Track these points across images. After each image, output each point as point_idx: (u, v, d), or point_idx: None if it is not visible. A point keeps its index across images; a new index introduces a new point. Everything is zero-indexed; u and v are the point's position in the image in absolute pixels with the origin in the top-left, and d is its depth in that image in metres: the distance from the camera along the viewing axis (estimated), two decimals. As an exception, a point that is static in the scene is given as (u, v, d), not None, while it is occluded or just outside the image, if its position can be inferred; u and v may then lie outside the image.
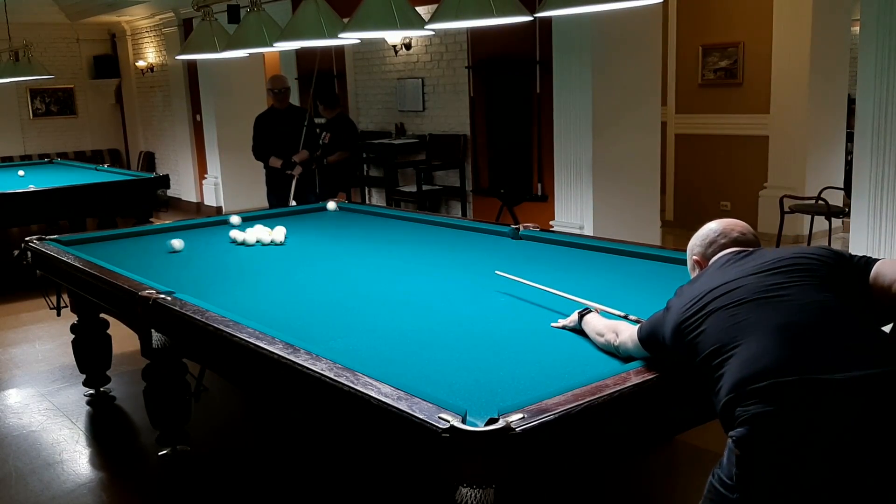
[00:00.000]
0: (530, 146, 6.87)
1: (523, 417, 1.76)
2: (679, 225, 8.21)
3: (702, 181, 8.16)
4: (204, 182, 10.90)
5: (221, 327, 2.60)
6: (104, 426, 4.11)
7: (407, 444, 1.88)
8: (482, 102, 7.36)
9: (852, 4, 7.33)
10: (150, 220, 6.98)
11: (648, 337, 2.11)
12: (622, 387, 1.95)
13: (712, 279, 1.97)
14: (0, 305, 6.23)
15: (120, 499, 3.37)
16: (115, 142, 13.12)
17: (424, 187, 7.67)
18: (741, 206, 7.79)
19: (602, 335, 2.35)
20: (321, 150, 7.21)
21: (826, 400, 1.64)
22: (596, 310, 2.56)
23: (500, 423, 1.71)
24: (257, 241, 4.17)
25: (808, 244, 6.58)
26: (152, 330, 3.04)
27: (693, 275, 2.21)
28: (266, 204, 7.09)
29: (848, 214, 5.31)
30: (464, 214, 7.63)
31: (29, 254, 4.12)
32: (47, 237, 4.25)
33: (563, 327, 2.58)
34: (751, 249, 2.08)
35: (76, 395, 4.38)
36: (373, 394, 1.94)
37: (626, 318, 2.49)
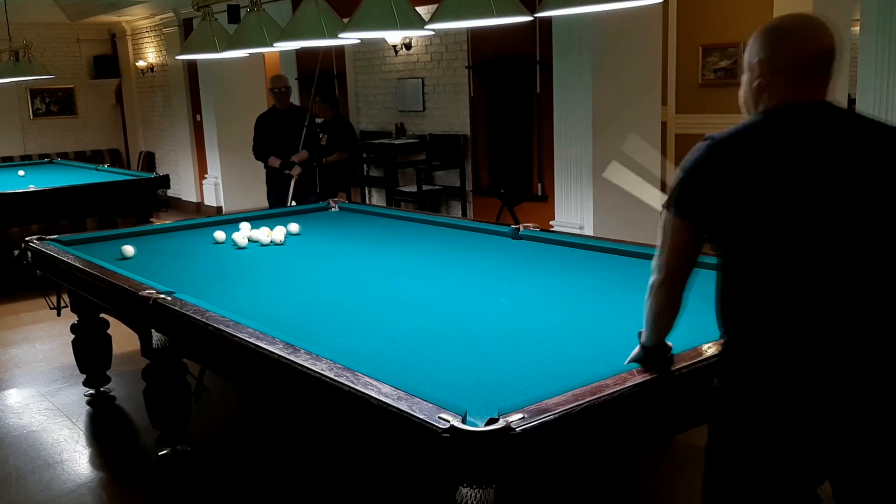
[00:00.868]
0: (530, 146, 6.87)
1: (523, 417, 1.76)
2: (679, 225, 8.18)
3: (702, 181, 8.14)
4: (204, 182, 10.90)
5: (221, 327, 2.60)
6: (104, 426, 4.11)
7: (407, 444, 1.88)
8: (482, 102, 7.35)
9: (852, 4, 7.32)
10: (150, 220, 6.97)
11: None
12: (622, 387, 1.95)
13: (769, 170, 1.69)
14: (0, 305, 6.23)
15: (120, 499, 3.37)
16: (115, 142, 13.12)
17: (424, 187, 7.67)
18: (741, 206, 7.77)
19: (645, 305, 2.04)
20: (319, 150, 7.21)
21: (821, 402, 1.67)
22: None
23: (500, 423, 1.71)
24: (251, 242, 4.18)
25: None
26: (152, 330, 3.04)
27: (752, 104, 1.87)
28: (266, 204, 7.09)
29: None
30: (464, 214, 7.62)
31: (29, 254, 4.12)
32: (47, 237, 4.25)
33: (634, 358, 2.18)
34: (824, 117, 1.75)
35: (76, 395, 4.38)
36: (373, 394, 1.94)
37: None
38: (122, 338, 4.22)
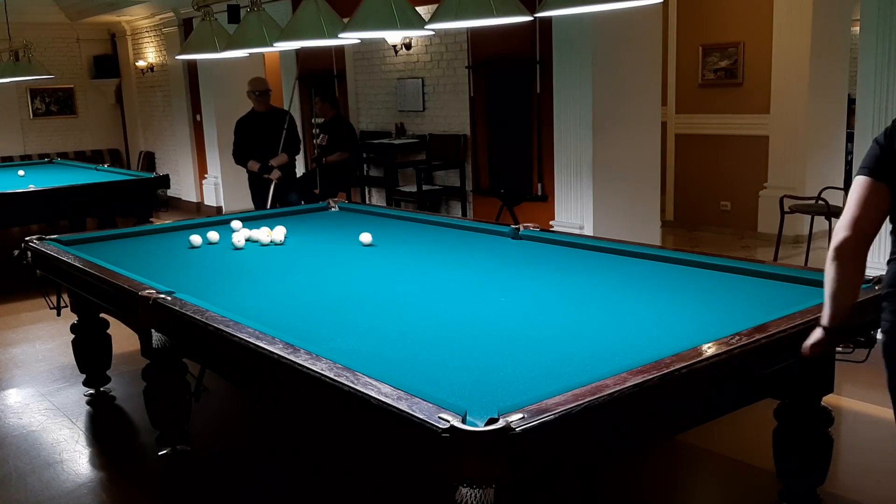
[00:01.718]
0: (530, 146, 6.87)
1: (523, 417, 1.76)
2: (679, 225, 8.20)
3: (702, 181, 8.16)
4: (204, 182, 10.91)
5: (221, 327, 2.60)
6: (104, 426, 4.11)
7: (407, 444, 1.89)
8: (482, 102, 7.36)
9: (852, 4, 7.33)
10: (150, 220, 6.97)
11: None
12: (622, 387, 1.95)
13: None
14: (0, 305, 6.24)
15: (120, 499, 3.37)
16: (115, 142, 13.12)
17: (424, 187, 7.67)
18: (741, 206, 7.79)
19: (826, 276, 2.07)
20: (319, 151, 7.21)
21: None
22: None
23: (500, 423, 1.71)
24: (250, 242, 4.18)
25: (808, 245, 6.59)
26: (152, 330, 3.04)
27: None
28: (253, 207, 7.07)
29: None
30: (464, 214, 7.63)
31: (29, 254, 4.12)
32: (47, 237, 4.25)
33: (815, 342, 2.15)
34: None
35: (76, 395, 4.38)
36: (373, 394, 1.94)
37: None
38: (122, 338, 4.22)
